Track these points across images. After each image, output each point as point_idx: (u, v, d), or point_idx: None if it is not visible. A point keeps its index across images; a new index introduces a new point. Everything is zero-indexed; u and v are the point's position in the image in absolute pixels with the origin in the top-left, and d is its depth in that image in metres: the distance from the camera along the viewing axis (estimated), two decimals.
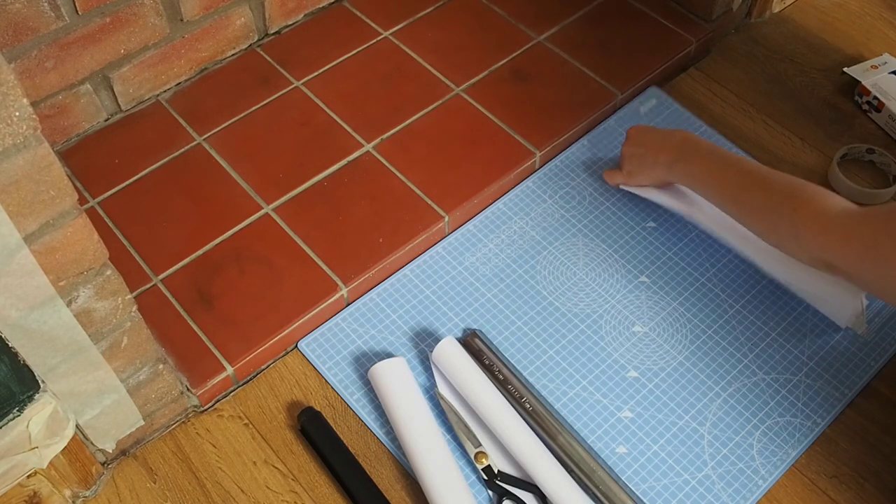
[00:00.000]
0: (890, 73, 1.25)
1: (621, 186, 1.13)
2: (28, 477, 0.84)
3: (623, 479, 0.92)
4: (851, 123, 1.24)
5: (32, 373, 0.77)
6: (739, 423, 0.95)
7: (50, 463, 0.84)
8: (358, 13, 1.33)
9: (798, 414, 0.96)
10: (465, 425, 0.94)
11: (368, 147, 1.17)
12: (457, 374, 0.96)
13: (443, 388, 0.97)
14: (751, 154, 1.19)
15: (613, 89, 1.23)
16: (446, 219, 1.10)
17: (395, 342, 1.02)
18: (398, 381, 0.95)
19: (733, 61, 1.32)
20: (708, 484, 0.92)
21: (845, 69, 1.27)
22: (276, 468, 0.94)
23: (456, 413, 0.95)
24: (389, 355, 1.00)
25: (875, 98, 1.22)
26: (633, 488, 0.91)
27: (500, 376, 0.96)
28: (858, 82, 1.25)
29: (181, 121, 1.20)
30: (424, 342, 1.02)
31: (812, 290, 1.01)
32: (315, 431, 0.95)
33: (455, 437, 0.94)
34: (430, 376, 0.98)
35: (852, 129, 1.23)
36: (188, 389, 0.96)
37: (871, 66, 1.27)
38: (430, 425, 0.93)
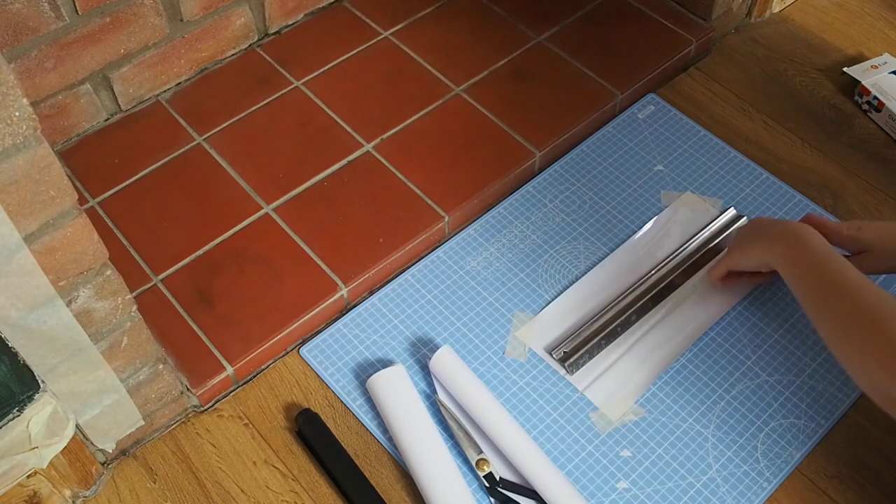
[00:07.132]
0: (890, 73, 1.25)
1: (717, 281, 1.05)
2: (28, 477, 0.84)
3: (628, 482, 0.91)
4: (851, 123, 1.24)
5: (32, 373, 0.77)
6: (743, 426, 0.95)
7: (50, 463, 0.84)
8: (358, 13, 1.33)
9: (802, 416, 0.96)
10: (466, 432, 0.93)
11: (368, 147, 1.17)
12: (454, 384, 0.95)
13: (443, 395, 0.96)
14: (751, 154, 1.19)
15: (613, 89, 1.23)
16: (446, 219, 1.10)
17: (398, 347, 1.01)
18: (396, 391, 0.95)
19: (733, 61, 1.32)
20: (713, 487, 0.91)
21: (845, 69, 1.27)
22: (276, 468, 0.94)
23: (457, 420, 0.94)
24: (391, 361, 1.00)
25: (875, 98, 1.22)
26: (637, 491, 0.91)
27: None
28: (858, 82, 1.25)
29: (181, 121, 1.20)
30: (427, 346, 1.01)
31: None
32: (311, 434, 0.95)
33: (456, 444, 0.93)
34: (432, 382, 0.98)
35: (852, 129, 1.23)
36: (188, 389, 0.96)
37: (871, 66, 1.27)
38: (430, 435, 0.92)
